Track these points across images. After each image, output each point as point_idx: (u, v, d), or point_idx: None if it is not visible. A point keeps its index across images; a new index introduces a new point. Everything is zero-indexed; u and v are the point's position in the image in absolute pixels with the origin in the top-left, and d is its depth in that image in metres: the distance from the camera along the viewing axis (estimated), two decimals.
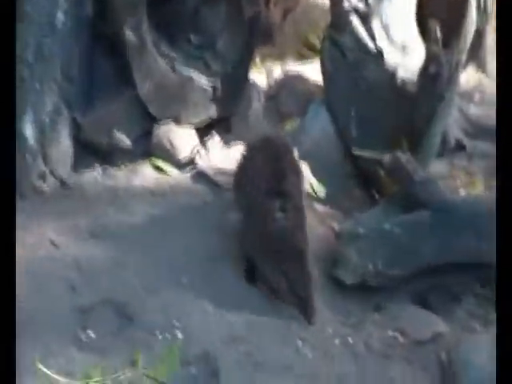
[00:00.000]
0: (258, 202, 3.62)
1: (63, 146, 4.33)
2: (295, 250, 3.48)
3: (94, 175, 4.28)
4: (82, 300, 3.44)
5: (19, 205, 3.53)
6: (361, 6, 4.61)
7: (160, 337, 3.29)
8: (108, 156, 4.48)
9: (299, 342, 3.40)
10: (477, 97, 4.49)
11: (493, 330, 3.56)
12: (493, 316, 3.72)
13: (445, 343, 3.59)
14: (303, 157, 4.37)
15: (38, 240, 3.74)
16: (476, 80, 4.57)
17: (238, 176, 3.90)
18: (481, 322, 3.74)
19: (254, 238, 3.59)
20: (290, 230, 3.51)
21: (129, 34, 4.49)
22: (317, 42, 5.05)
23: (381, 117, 4.44)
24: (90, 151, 4.38)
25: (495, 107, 4.34)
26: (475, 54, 4.57)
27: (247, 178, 3.80)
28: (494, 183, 4.19)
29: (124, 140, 4.53)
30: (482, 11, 4.50)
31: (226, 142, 4.61)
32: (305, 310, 3.46)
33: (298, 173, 3.82)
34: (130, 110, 4.56)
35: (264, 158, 3.77)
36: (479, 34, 4.55)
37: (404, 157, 3.96)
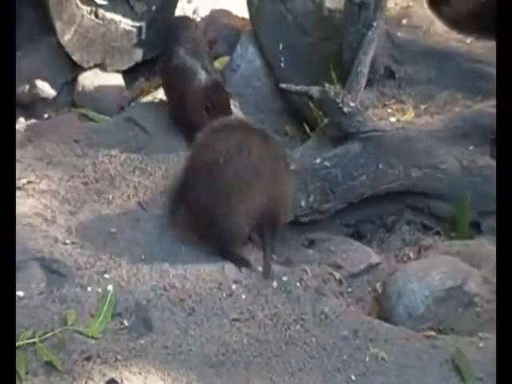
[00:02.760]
0: None
1: None
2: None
3: (18, 128, 4.20)
4: None
5: None
6: None
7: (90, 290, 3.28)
8: (31, 108, 4.44)
9: (233, 286, 3.42)
10: (404, 22, 4.47)
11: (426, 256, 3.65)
12: (426, 242, 3.79)
13: (379, 274, 3.62)
14: (233, 94, 4.37)
15: None
16: (403, 5, 4.54)
17: None
18: (415, 249, 3.77)
19: None
20: None
21: None
22: None
23: (309, 49, 4.41)
24: None
25: (422, 31, 4.41)
26: None
27: None
28: (422, 109, 4.22)
29: (47, 90, 4.49)
30: None
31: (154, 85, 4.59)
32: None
33: None
34: (52, 59, 4.50)
35: None
36: None
37: (332, 89, 3.93)
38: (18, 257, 3.23)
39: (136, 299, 3.25)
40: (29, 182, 3.80)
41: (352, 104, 3.88)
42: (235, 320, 3.24)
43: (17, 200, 3.55)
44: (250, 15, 4.62)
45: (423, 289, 3.41)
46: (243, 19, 4.78)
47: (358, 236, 3.87)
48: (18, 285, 3.14)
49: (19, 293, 3.18)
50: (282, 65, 4.46)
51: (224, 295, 3.35)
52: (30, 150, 4.04)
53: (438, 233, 3.86)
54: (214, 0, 5.15)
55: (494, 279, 3.44)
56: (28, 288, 3.23)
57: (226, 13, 5.00)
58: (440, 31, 4.43)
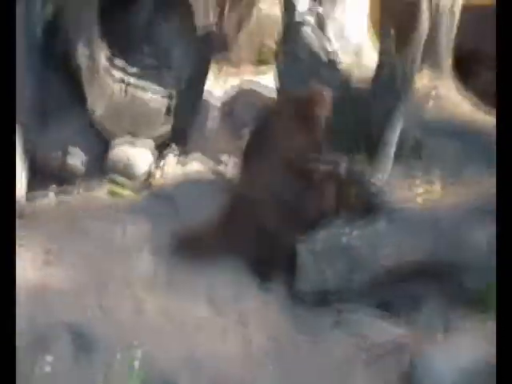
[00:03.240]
0: None
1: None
2: None
3: (49, 198, 4.30)
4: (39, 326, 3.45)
5: None
6: (314, 13, 4.67)
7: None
8: (62, 176, 4.52)
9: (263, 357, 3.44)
10: (431, 99, 4.54)
11: (452, 337, 3.64)
12: (454, 321, 3.79)
13: (407, 351, 3.58)
14: None
15: None
16: (431, 79, 4.61)
17: None
18: (442, 325, 3.75)
19: None
20: None
21: (81, 54, 4.52)
22: (271, 52, 5.10)
23: (337, 122, 4.46)
24: (43, 174, 4.41)
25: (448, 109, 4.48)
26: (430, 55, 4.61)
27: None
28: (450, 188, 4.26)
29: (78, 160, 4.56)
30: (434, 13, 4.55)
31: (183, 156, 4.68)
32: None
33: None
34: (83, 131, 4.59)
35: None
36: (433, 36, 4.60)
37: (360, 167, 4.02)
38: (48, 322, 3.34)
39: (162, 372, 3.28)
40: (59, 251, 3.87)
41: (379, 182, 3.95)
42: None
43: (48, 270, 3.65)
44: (278, 90, 4.71)
45: (452, 367, 3.38)
46: (270, 96, 4.86)
47: (386, 311, 3.85)
48: (47, 350, 3.19)
49: (48, 357, 3.19)
50: None
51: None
52: (61, 222, 4.11)
53: (467, 308, 3.84)
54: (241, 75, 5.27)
55: None
56: (57, 354, 3.25)
57: (253, 86, 5.11)
58: (466, 110, 4.47)
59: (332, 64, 4.56)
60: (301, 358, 3.52)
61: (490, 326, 3.64)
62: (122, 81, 4.69)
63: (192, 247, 3.95)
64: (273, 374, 3.40)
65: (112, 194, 4.49)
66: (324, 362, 3.48)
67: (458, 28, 4.66)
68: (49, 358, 3.16)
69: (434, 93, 4.53)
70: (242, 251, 3.92)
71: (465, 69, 4.71)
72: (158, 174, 4.58)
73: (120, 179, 4.54)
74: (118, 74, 4.68)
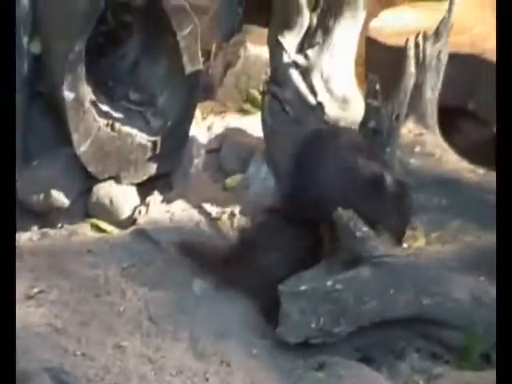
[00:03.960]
0: None
1: None
2: None
3: (31, 237, 4.30)
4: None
5: None
6: (301, 60, 4.73)
7: None
8: (45, 217, 4.52)
9: None
10: (417, 149, 4.60)
11: None
12: (436, 371, 3.82)
13: None
14: (245, 212, 4.46)
15: None
16: (416, 132, 4.67)
17: None
18: (424, 377, 3.77)
19: None
20: None
21: (66, 94, 4.52)
22: (258, 96, 5.15)
23: None
24: (26, 212, 4.40)
25: (434, 159, 4.54)
26: (415, 107, 4.68)
27: None
28: (434, 236, 4.31)
29: (62, 199, 4.57)
30: (420, 65, 4.63)
31: (168, 199, 4.70)
32: None
33: None
34: (68, 170, 4.59)
35: None
36: (419, 88, 4.68)
37: (345, 212, 4.03)
38: (28, 366, 3.27)
39: None
40: (40, 292, 3.85)
41: (364, 229, 3.97)
42: None
43: (28, 309, 3.62)
44: (264, 134, 4.75)
45: None
46: (257, 138, 4.88)
47: (368, 360, 3.85)
48: None
49: None
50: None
51: None
52: (43, 259, 4.11)
53: (448, 362, 3.86)
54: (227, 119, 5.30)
55: None
56: None
57: (239, 131, 5.14)
58: (453, 160, 4.52)
59: (319, 111, 4.61)
60: None
61: (471, 378, 3.73)
62: (107, 123, 4.72)
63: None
64: None
65: (96, 229, 4.51)
66: None
67: (445, 80, 4.71)
68: None
69: (418, 147, 4.58)
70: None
71: (448, 123, 4.77)
72: (142, 212, 4.60)
73: (104, 216, 4.56)
74: (103, 116, 4.71)
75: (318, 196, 4.01)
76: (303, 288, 3.89)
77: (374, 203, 4.00)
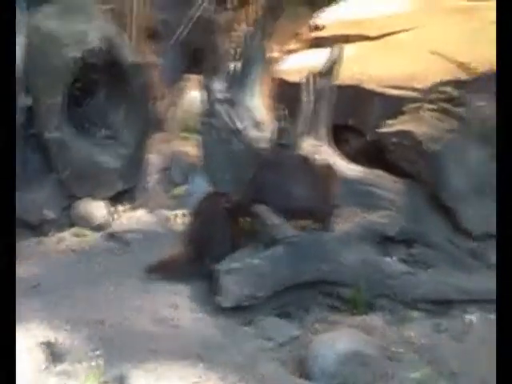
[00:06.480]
0: None
1: None
2: None
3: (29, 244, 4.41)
4: None
5: None
6: (226, 97, 4.83)
7: None
8: (39, 227, 4.61)
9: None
10: (316, 157, 4.67)
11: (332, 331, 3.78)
12: (332, 318, 3.94)
13: (301, 343, 3.74)
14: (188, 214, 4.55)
15: None
16: (315, 144, 4.75)
17: None
18: (324, 324, 3.87)
19: None
20: None
21: (52, 135, 4.64)
22: (193, 126, 5.23)
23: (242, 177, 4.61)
24: (24, 226, 4.50)
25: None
26: (314, 126, 4.74)
27: None
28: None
29: (51, 214, 4.66)
30: (315, 95, 4.69)
31: (132, 208, 4.81)
32: None
33: None
34: (54, 192, 4.71)
35: None
36: (316, 112, 4.76)
37: (261, 207, 4.16)
38: None
39: None
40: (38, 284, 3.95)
41: (275, 218, 4.11)
42: None
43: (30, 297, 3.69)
44: (202, 154, 4.80)
45: (332, 353, 3.55)
46: (196, 157, 4.97)
47: (284, 316, 3.97)
48: None
49: None
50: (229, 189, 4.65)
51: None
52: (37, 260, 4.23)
53: (343, 311, 4.00)
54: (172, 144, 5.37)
55: (384, 344, 3.64)
56: None
57: (183, 153, 5.23)
58: (341, 163, 4.57)
59: (240, 133, 4.69)
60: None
61: (360, 321, 3.85)
62: (85, 153, 4.81)
63: None
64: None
65: (77, 235, 4.60)
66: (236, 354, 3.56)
67: (334, 105, 4.77)
68: None
69: (317, 155, 4.65)
70: None
71: (338, 136, 4.85)
72: (113, 219, 4.73)
73: (83, 224, 4.67)
74: (82, 147, 4.80)
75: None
76: (234, 266, 4.01)
77: (304, 184, 4.14)
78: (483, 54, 4.75)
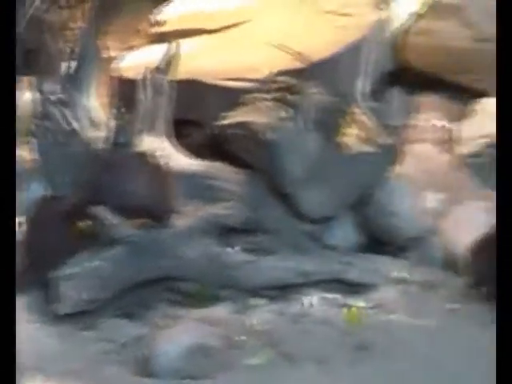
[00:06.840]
0: None
1: None
2: None
3: None
4: None
5: None
6: (60, 98, 4.71)
7: None
8: None
9: None
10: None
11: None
12: (175, 313, 3.89)
13: (146, 341, 3.69)
14: None
15: None
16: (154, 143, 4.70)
17: None
18: (167, 320, 3.84)
19: None
20: None
21: None
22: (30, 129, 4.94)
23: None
24: None
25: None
26: (153, 122, 4.71)
27: None
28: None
29: None
30: (154, 91, 4.65)
31: None
32: None
33: None
34: None
35: None
36: (155, 108, 4.70)
37: (98, 209, 4.08)
38: None
39: None
40: None
41: (113, 218, 4.05)
42: None
43: None
44: (40, 158, 4.63)
45: (175, 349, 3.53)
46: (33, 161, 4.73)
47: (127, 316, 3.91)
48: None
49: None
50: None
51: None
52: None
53: (186, 305, 3.98)
54: None
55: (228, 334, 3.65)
56: None
57: None
58: (181, 158, 4.55)
59: (77, 133, 4.58)
60: None
61: (204, 314, 3.84)
62: None
63: None
64: None
65: None
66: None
67: (175, 100, 4.72)
68: None
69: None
70: None
71: (181, 132, 4.82)
72: None
73: None
74: None
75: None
76: (72, 271, 3.92)
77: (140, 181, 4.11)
78: (317, 43, 4.92)
